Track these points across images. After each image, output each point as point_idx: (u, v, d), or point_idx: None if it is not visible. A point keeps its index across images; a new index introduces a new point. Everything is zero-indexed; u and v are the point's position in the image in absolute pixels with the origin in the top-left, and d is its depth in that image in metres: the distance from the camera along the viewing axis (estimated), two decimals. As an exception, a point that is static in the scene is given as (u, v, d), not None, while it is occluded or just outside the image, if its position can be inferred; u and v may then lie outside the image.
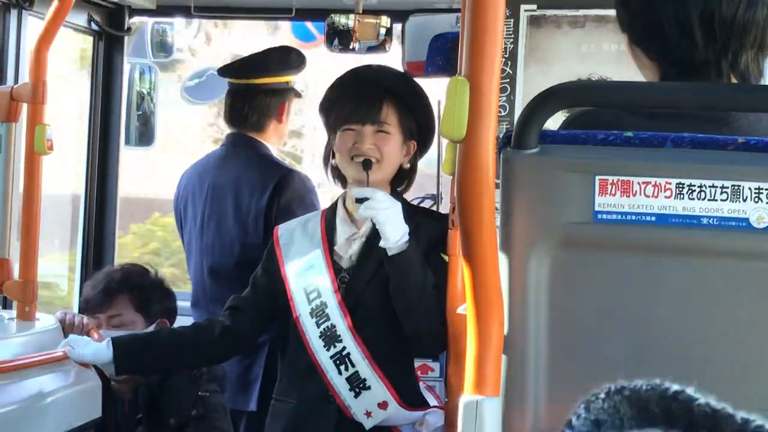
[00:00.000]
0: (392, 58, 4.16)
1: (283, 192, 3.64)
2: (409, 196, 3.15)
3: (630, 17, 1.83)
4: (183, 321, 3.44)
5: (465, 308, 1.64)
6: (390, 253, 2.70)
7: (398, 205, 2.72)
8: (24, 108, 3.09)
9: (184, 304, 3.76)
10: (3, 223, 3.12)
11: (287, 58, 3.84)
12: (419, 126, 2.91)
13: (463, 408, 1.54)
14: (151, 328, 3.14)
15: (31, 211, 3.04)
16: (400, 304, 2.73)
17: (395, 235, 2.68)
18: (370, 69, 3.04)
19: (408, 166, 2.92)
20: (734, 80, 1.77)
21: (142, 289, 3.32)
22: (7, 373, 2.70)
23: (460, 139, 1.49)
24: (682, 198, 1.56)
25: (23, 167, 3.08)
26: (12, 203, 3.15)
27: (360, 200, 2.71)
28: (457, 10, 3.68)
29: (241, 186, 3.69)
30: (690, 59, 1.76)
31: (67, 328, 3.04)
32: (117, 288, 3.32)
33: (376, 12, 4.24)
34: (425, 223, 2.85)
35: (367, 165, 2.79)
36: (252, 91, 3.79)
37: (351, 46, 4.24)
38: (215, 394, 3.16)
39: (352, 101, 2.85)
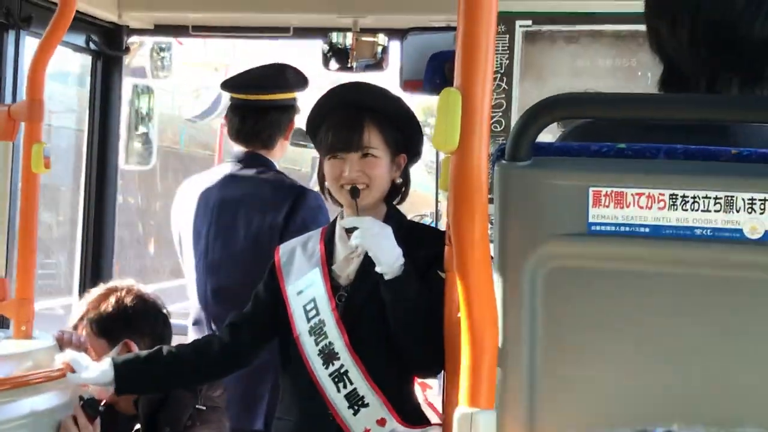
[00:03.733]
0: (389, 76, 4.18)
1: (299, 210, 3.62)
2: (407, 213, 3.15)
3: (648, 10, 1.82)
4: (180, 340, 3.41)
5: None
6: (386, 278, 2.70)
7: (388, 229, 2.72)
8: (21, 127, 3.10)
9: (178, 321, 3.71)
10: (0, 242, 3.13)
11: (293, 74, 3.83)
12: (405, 138, 2.91)
13: (458, 421, 1.54)
14: (115, 351, 3.10)
15: (28, 229, 3.04)
16: (397, 326, 2.73)
17: (388, 259, 2.69)
18: (347, 89, 2.98)
19: (400, 180, 2.93)
20: None
21: (100, 315, 3.23)
22: (4, 391, 2.69)
23: (453, 150, 1.49)
24: (676, 209, 1.56)
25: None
26: (9, 222, 3.16)
27: (350, 230, 2.73)
28: (455, 29, 3.68)
29: (253, 203, 3.66)
30: (676, 63, 1.75)
31: (64, 346, 3.03)
32: (85, 311, 3.27)
33: (373, 30, 4.25)
34: (423, 240, 2.85)
35: (354, 193, 2.80)
36: (264, 108, 3.76)
37: (348, 65, 4.26)
38: (212, 408, 3.16)
39: (333, 129, 2.84)
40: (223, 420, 3.22)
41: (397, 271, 2.69)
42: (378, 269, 2.70)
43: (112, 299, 3.24)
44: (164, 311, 3.33)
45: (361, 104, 2.88)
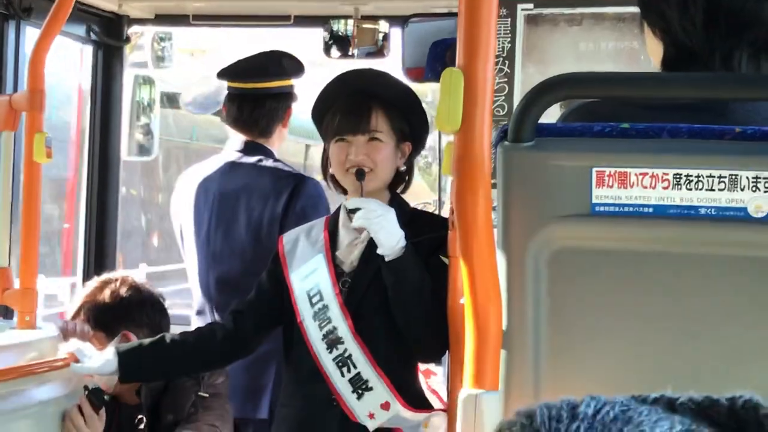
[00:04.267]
0: (390, 62, 4.17)
1: (298, 198, 3.61)
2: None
3: None
4: (181, 330, 3.41)
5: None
6: (387, 259, 2.70)
7: (391, 212, 2.74)
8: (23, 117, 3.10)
9: (180, 312, 3.71)
10: (3, 232, 3.12)
11: (288, 62, 3.82)
12: (411, 127, 2.92)
13: (463, 402, 1.53)
14: (115, 341, 3.10)
15: (30, 218, 3.04)
16: (399, 309, 2.74)
17: (390, 241, 2.70)
18: (356, 75, 2.98)
19: (404, 168, 2.94)
20: None
21: (96, 308, 3.23)
22: (9, 381, 2.70)
23: (455, 130, 1.48)
24: (680, 188, 1.56)
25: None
26: (12, 212, 3.16)
27: (353, 211, 2.74)
28: (456, 15, 3.67)
29: (253, 193, 3.66)
30: (688, 43, 1.75)
31: (68, 336, 3.03)
32: (80, 305, 3.26)
33: (374, 17, 4.24)
34: (426, 226, 2.86)
35: (360, 176, 2.82)
36: (261, 96, 3.76)
37: (350, 53, 4.25)
38: (215, 395, 3.16)
39: (341, 112, 2.86)
40: (226, 407, 3.22)
41: (397, 253, 2.71)
42: (379, 251, 2.71)
43: (107, 291, 3.23)
44: (160, 300, 3.32)
45: (370, 90, 2.88)
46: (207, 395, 3.13)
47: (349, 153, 2.83)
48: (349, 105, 2.86)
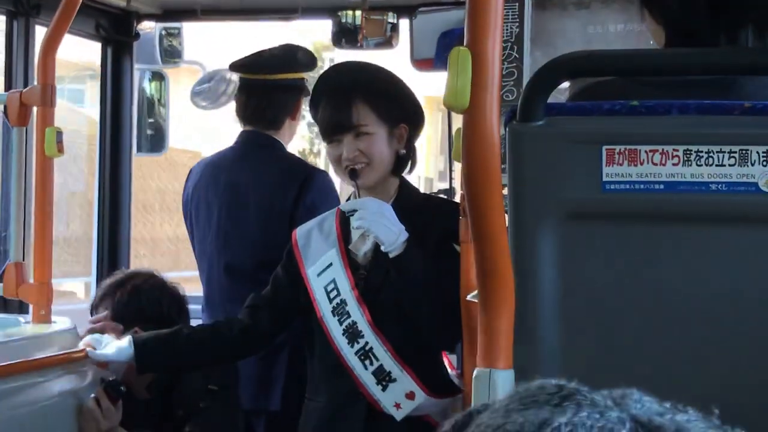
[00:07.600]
0: (399, 54, 4.16)
1: (309, 190, 3.61)
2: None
3: None
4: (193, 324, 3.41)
5: (475, 295, 1.64)
6: (390, 256, 2.70)
7: (387, 207, 2.73)
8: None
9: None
10: (17, 227, 3.14)
11: (302, 55, 3.82)
12: (401, 108, 2.91)
13: (476, 380, 1.54)
14: (127, 337, 3.10)
15: (43, 213, 3.06)
16: (409, 301, 2.74)
17: (389, 237, 2.69)
18: (335, 71, 3.02)
19: (404, 151, 2.92)
20: None
21: (116, 301, 3.24)
22: (26, 373, 2.71)
23: (464, 108, 1.48)
24: (690, 165, 1.56)
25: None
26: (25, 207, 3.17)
27: (351, 213, 2.73)
28: (463, 4, 3.66)
29: (263, 184, 3.65)
30: (691, 28, 1.74)
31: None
32: (102, 295, 3.28)
33: (382, 8, 4.24)
34: (437, 214, 2.86)
35: (353, 175, 2.82)
36: (268, 87, 3.76)
37: (358, 44, 4.25)
38: (225, 388, 3.17)
39: (323, 114, 2.88)
40: (236, 400, 3.23)
41: (400, 248, 2.70)
42: (382, 248, 2.71)
43: (129, 286, 3.25)
44: (181, 297, 3.33)
45: (349, 84, 2.89)
46: (217, 388, 3.14)
47: (341, 152, 2.84)
48: (329, 105, 2.87)
